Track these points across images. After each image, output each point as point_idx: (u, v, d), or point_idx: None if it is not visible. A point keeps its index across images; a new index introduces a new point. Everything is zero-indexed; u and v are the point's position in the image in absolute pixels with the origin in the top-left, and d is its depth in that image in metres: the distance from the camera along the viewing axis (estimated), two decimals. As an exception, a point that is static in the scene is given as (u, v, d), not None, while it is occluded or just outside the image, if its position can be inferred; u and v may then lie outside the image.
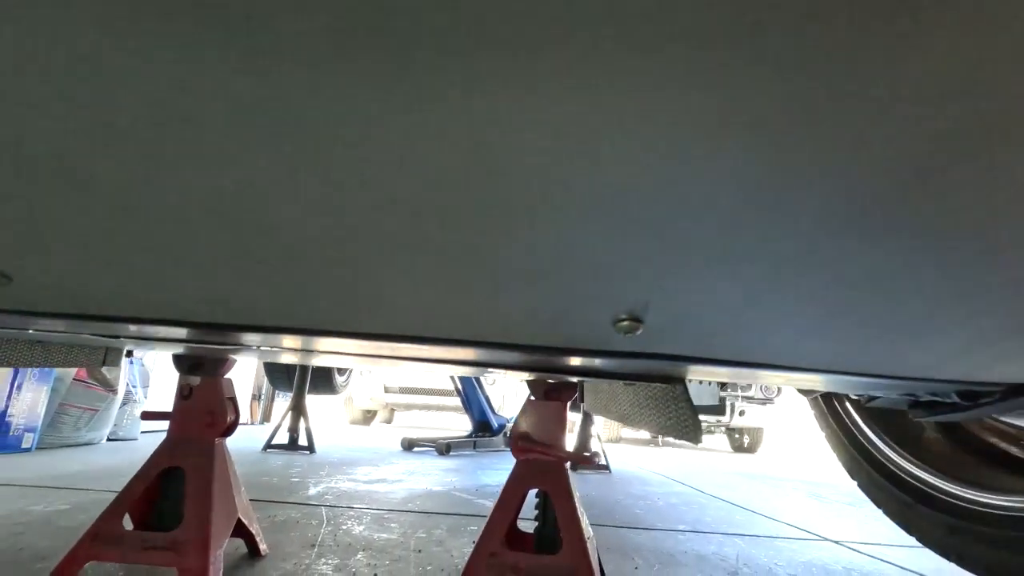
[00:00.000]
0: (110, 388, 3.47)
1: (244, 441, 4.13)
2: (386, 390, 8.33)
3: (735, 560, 1.74)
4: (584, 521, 1.32)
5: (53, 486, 2.11)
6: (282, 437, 3.90)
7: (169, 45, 0.25)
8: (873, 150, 0.29)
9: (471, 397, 4.98)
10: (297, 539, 1.60)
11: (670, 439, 9.50)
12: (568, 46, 0.24)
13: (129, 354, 1.87)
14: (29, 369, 3.01)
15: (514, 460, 1.38)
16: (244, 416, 6.16)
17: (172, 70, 0.27)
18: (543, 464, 1.36)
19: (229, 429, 1.38)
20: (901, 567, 1.81)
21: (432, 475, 3.15)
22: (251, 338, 0.96)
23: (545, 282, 0.47)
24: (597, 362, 0.88)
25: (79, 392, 3.31)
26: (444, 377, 6.10)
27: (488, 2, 0.22)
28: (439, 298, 0.57)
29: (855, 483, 1.39)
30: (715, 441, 9.59)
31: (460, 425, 5.86)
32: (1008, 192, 0.31)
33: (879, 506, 1.30)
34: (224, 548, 1.39)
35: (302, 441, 3.88)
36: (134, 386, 3.88)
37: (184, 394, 1.37)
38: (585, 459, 1.35)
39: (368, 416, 8.84)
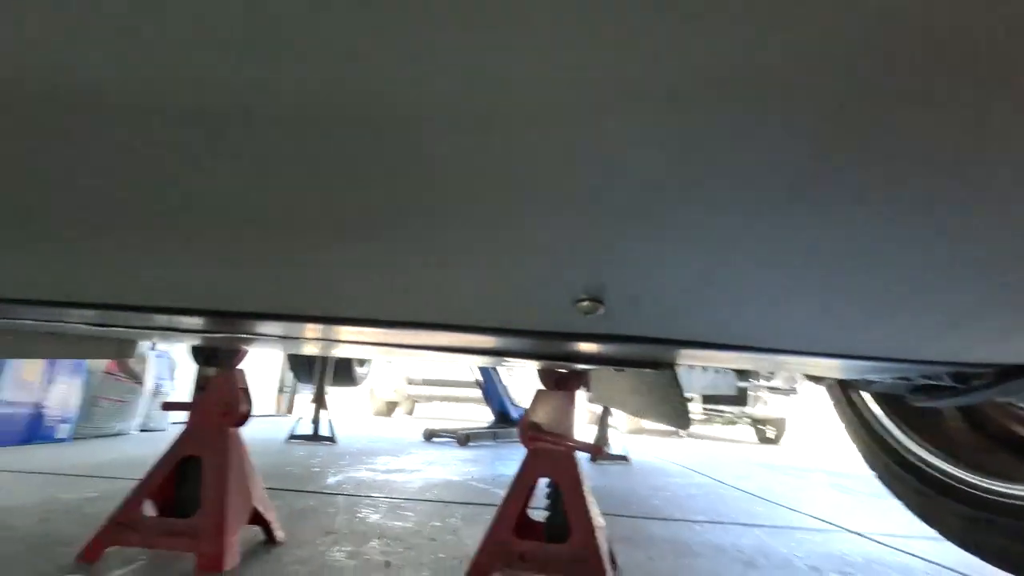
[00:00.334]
0: (138, 380, 3.57)
1: (268, 431, 4.22)
2: (408, 382, 8.42)
3: (752, 551, 1.72)
4: (594, 510, 1.31)
5: (83, 475, 2.19)
6: (306, 428, 3.98)
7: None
8: (847, 112, 0.27)
9: (490, 389, 5.00)
10: (314, 527, 1.63)
11: (693, 431, 9.43)
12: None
13: (153, 346, 1.91)
14: (62, 363, 3.12)
15: (523, 449, 1.38)
16: (270, 407, 6.30)
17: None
18: (553, 453, 1.36)
19: (243, 419, 1.40)
20: (925, 559, 1.77)
21: (450, 465, 3.18)
22: (269, 327, 0.97)
23: (512, 264, 0.47)
24: (586, 347, 0.87)
25: (109, 384, 3.41)
26: (465, 369, 6.13)
27: None
28: (429, 283, 0.57)
29: (874, 473, 1.36)
30: (738, 432, 9.48)
31: (481, 416, 5.90)
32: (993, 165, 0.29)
33: (898, 497, 1.26)
34: (240, 534, 1.43)
35: (324, 432, 3.94)
36: (162, 378, 3.99)
37: (201, 385, 1.40)
38: (595, 449, 1.34)
39: (391, 407, 8.94)
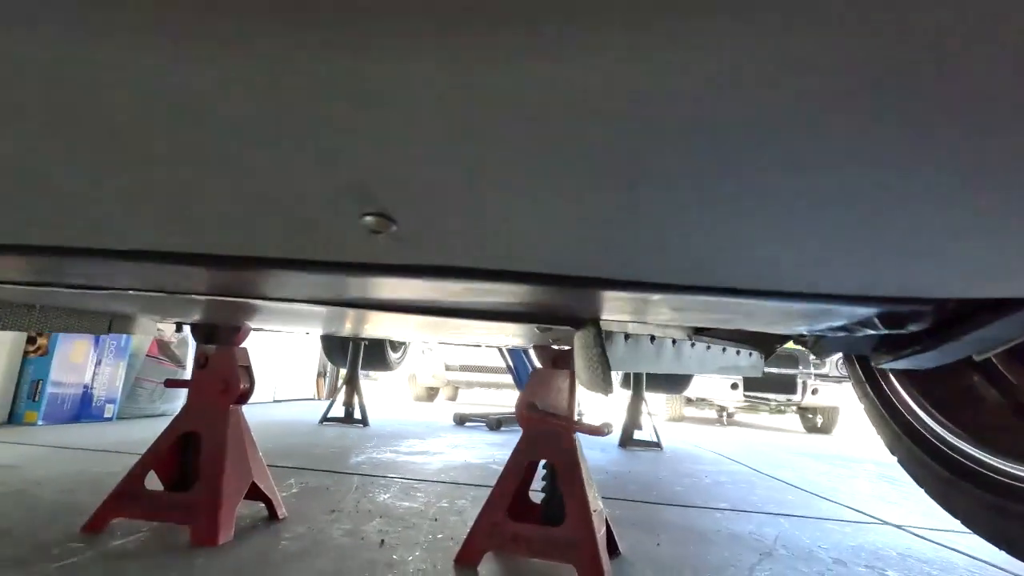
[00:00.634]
0: (179, 363, 3.72)
1: (305, 414, 4.33)
2: (447, 368, 8.51)
3: (772, 541, 1.63)
4: (592, 492, 1.26)
5: (117, 451, 2.29)
6: (339, 411, 4.05)
7: None
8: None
9: (521, 373, 4.97)
10: (320, 505, 1.64)
11: (738, 420, 9.14)
12: None
13: (179, 328, 1.96)
14: (108, 347, 3.28)
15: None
16: (310, 392, 6.48)
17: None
18: (549, 434, 1.31)
19: (243, 397, 1.41)
20: (970, 555, 1.63)
21: (475, 448, 3.17)
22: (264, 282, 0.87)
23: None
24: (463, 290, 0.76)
25: (152, 367, 3.57)
26: (498, 356, 6.12)
27: None
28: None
29: (896, 458, 1.24)
30: (786, 421, 9.13)
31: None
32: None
33: (919, 484, 1.15)
34: (244, 510, 1.45)
35: (356, 415, 4.01)
36: (204, 362, 4.14)
37: (200, 363, 1.42)
38: (592, 429, 1.29)
39: (431, 393, 9.06)
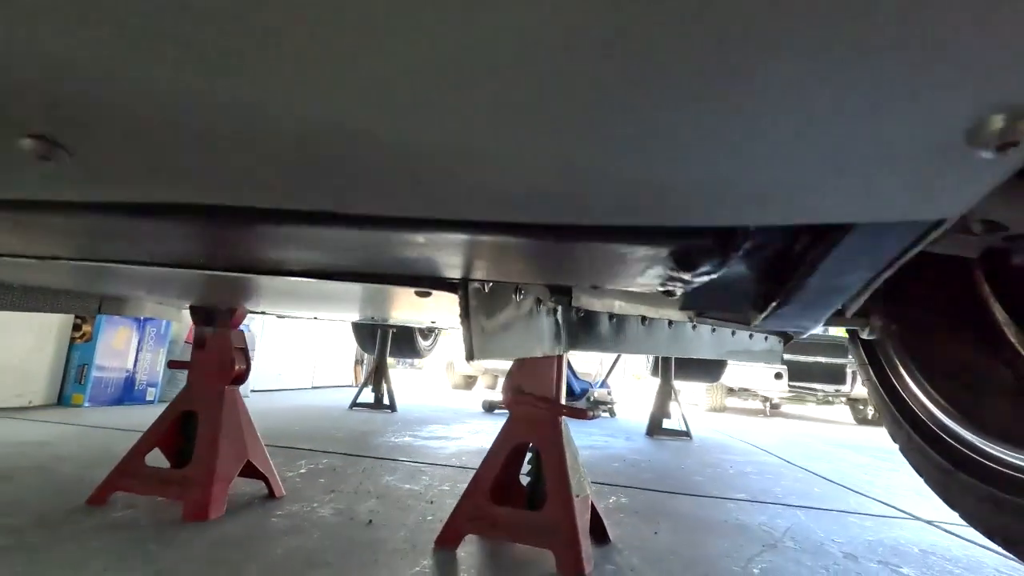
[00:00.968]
0: (216, 350, 3.87)
1: (336, 400, 4.45)
2: (482, 356, 8.55)
3: (782, 532, 1.55)
4: (576, 478, 1.22)
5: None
6: (368, 397, 4.14)
7: None
8: None
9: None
10: (323, 485, 1.67)
11: (783, 411, 8.82)
12: None
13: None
14: (148, 333, 3.45)
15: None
16: (348, 378, 6.64)
17: None
18: (534, 417, 1.28)
19: (239, 377, 1.45)
20: (1001, 554, 1.51)
21: (495, 435, 3.17)
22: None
23: None
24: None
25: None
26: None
27: None
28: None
29: (896, 445, 1.14)
30: (835, 412, 8.74)
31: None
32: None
33: (919, 473, 1.06)
34: (243, 488, 1.49)
35: (386, 401, 4.09)
36: (241, 349, 4.30)
37: (199, 344, 1.46)
38: (581, 414, 1.26)
39: (469, 381, 9.13)
